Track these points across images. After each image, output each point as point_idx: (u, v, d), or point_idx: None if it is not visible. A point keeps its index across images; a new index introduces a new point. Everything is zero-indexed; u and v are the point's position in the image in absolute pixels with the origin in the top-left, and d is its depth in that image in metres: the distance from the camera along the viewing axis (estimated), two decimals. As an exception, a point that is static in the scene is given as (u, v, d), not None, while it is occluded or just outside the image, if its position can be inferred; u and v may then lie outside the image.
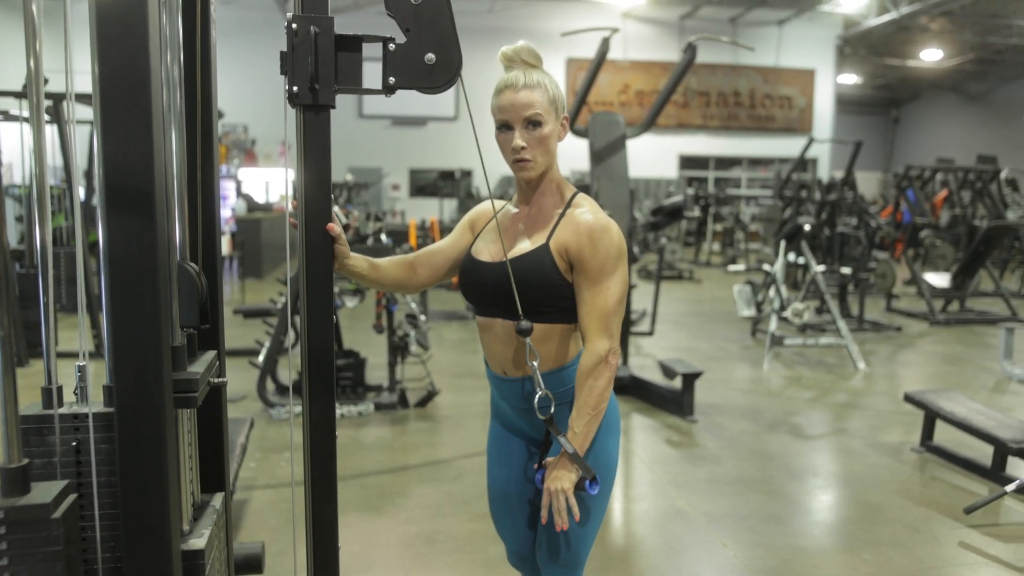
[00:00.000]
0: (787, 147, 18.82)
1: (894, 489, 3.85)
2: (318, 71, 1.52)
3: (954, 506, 3.62)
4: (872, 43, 19.08)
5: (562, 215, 1.74)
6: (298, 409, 4.79)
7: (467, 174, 14.47)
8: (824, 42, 18.88)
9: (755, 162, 19.66)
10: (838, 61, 19.35)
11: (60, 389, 1.57)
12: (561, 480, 1.67)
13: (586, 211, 1.73)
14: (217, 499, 1.76)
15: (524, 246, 1.75)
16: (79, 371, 1.65)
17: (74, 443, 1.54)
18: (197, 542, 1.54)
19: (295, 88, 1.52)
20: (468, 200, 12.40)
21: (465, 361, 6.48)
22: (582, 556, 1.84)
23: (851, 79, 22.19)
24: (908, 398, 4.45)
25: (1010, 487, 3.50)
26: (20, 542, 1.31)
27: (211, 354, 1.74)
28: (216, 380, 1.72)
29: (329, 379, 1.62)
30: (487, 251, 1.81)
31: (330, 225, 1.60)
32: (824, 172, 18.72)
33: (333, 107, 1.56)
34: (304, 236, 1.59)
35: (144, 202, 1.30)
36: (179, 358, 1.52)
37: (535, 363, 1.70)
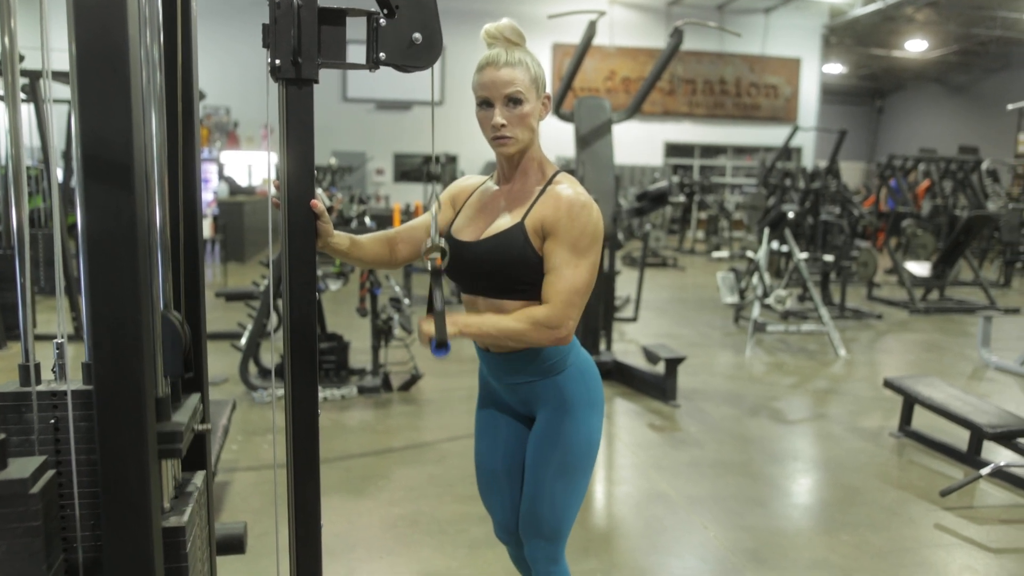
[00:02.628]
0: (772, 136, 18.88)
1: (872, 473, 3.90)
2: (301, 44, 1.50)
3: (931, 489, 3.67)
4: (858, 33, 19.14)
5: (542, 192, 1.74)
6: (280, 392, 4.77)
7: (452, 159, 14.41)
8: (810, 31, 18.92)
9: (740, 150, 19.71)
10: (824, 50, 19.40)
11: (38, 366, 1.55)
12: (425, 324, 1.67)
13: (567, 187, 1.73)
14: (198, 477, 1.75)
15: (502, 223, 1.75)
16: (57, 348, 1.63)
17: (52, 420, 1.52)
18: (178, 519, 1.54)
19: (277, 61, 1.50)
20: (453, 185, 12.34)
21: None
22: (564, 529, 1.85)
23: (836, 69, 22.26)
24: (888, 384, 4.50)
25: (985, 471, 3.55)
26: (-3, 517, 1.30)
27: (195, 398, 1.72)
28: (200, 427, 1.71)
29: (311, 356, 1.61)
30: (467, 230, 1.81)
31: (313, 201, 1.59)
32: (808, 161, 18.81)
33: (316, 82, 1.55)
34: (287, 212, 1.57)
35: (123, 176, 1.28)
36: (163, 409, 1.50)
37: (434, 208, 1.74)
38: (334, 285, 4.99)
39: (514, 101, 1.70)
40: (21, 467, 1.34)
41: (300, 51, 1.50)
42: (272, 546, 2.90)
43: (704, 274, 11.62)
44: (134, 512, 1.36)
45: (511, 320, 1.68)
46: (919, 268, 9.38)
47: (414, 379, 5.03)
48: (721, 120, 19.09)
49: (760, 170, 12.63)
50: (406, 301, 5.06)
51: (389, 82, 16.32)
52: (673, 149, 19.15)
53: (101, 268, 1.30)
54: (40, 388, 1.51)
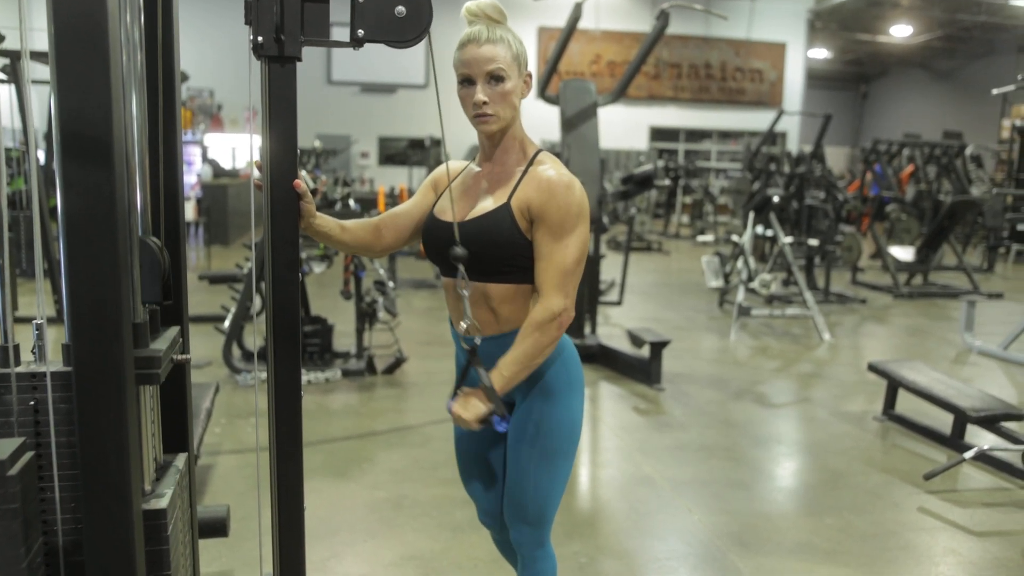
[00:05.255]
0: (757, 120, 18.88)
1: (856, 456, 3.93)
2: (284, 21, 1.47)
3: (914, 473, 3.70)
4: (843, 18, 19.14)
5: (524, 172, 1.72)
6: (264, 375, 4.74)
7: (437, 143, 14.31)
8: (796, 16, 18.90)
9: (725, 135, 19.71)
10: (809, 35, 19.39)
11: (17, 347, 1.52)
12: (468, 410, 1.67)
13: (549, 167, 1.71)
14: (180, 459, 1.73)
15: (486, 205, 1.73)
16: (37, 329, 1.61)
17: (32, 402, 1.50)
18: (159, 502, 1.52)
19: (260, 38, 1.48)
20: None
21: (433, 329, 6.46)
22: (548, 513, 1.84)
23: (821, 54, 22.28)
24: (872, 367, 4.52)
25: (968, 454, 3.58)
26: (-27, 501, 1.27)
27: (174, 330, 1.70)
28: (179, 357, 1.69)
29: (294, 337, 1.59)
30: (449, 211, 1.79)
31: (296, 182, 1.57)
32: (793, 145, 18.84)
33: (299, 59, 1.52)
34: (269, 192, 1.55)
35: (102, 153, 1.25)
36: (141, 335, 1.48)
37: (466, 292, 1.71)
38: (318, 268, 4.96)
39: (496, 78, 1.67)
40: (-2, 449, 1.31)
41: (283, 28, 1.47)
42: (256, 529, 2.89)
43: (689, 258, 11.65)
44: (113, 493, 1.34)
45: (520, 343, 1.68)
46: (903, 253, 9.44)
47: (398, 362, 5.01)
48: (706, 104, 19.07)
49: (745, 154, 12.64)
50: (391, 284, 5.03)
51: (374, 65, 16.18)
52: (658, 133, 19.12)
53: (80, 249, 1.27)
54: (19, 370, 1.48)
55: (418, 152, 13.06)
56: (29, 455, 1.36)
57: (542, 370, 1.78)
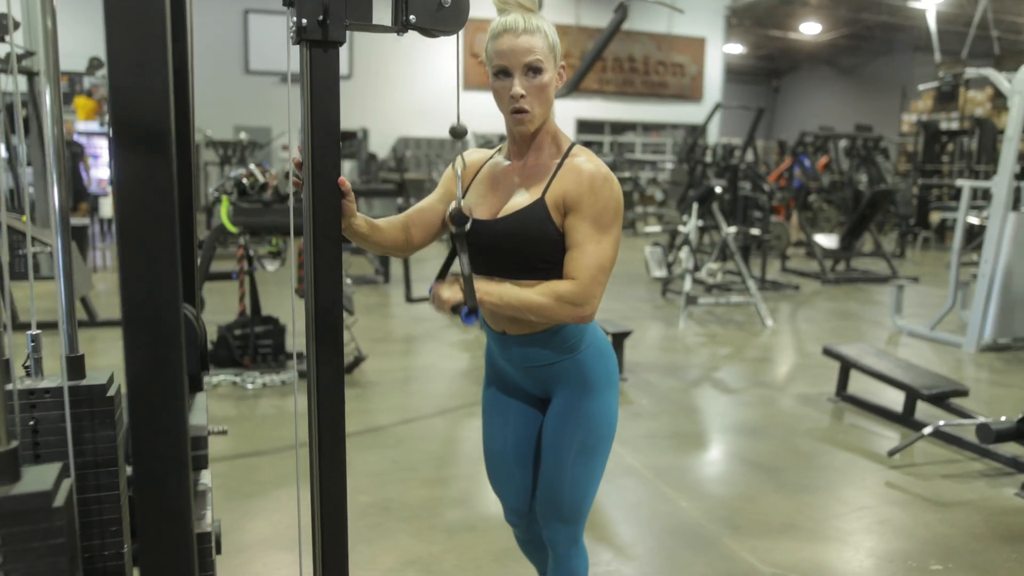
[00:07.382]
0: (680, 113, 19.29)
1: (819, 436, 4.05)
2: (329, 3, 1.38)
3: (874, 450, 3.84)
4: (757, 15, 19.75)
5: (560, 165, 1.67)
6: (233, 379, 4.53)
7: (364, 134, 14.01)
8: (714, 12, 19.38)
9: (648, 127, 20.05)
10: (726, 31, 19.93)
11: (8, 362, 1.39)
12: (451, 291, 1.61)
13: (586, 160, 1.67)
14: (206, 476, 1.62)
15: (520, 200, 1.67)
16: (32, 341, 1.48)
17: (32, 422, 1.39)
18: (203, 524, 1.41)
19: (303, 21, 1.38)
20: (371, 162, 12.01)
21: (383, 326, 6.34)
22: (584, 510, 1.81)
23: (737, 49, 22.95)
24: (827, 351, 4.67)
25: (927, 430, 3.75)
26: (17, 536, 1.13)
27: (201, 397, 1.59)
28: (215, 430, 1.58)
29: (338, 341, 1.50)
30: (481, 207, 1.72)
31: (341, 179, 1.48)
32: (714, 138, 19.34)
33: (342, 43, 1.44)
34: (311, 187, 1.45)
35: (160, 140, 1.14)
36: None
37: (459, 168, 1.69)
38: (271, 266, 4.78)
39: (533, 70, 1.61)
40: (38, 478, 1.18)
41: (327, 11, 1.38)
42: (238, 543, 2.76)
43: (623, 249, 11.79)
44: (173, 520, 1.23)
45: (534, 294, 1.61)
46: (828, 241, 9.81)
47: (357, 361, 4.88)
48: (630, 97, 19.35)
49: (682, 146, 12.90)
50: (348, 281, 4.90)
51: (293, 54, 15.68)
52: (584, 126, 19.30)
53: (136, 246, 1.14)
54: (22, 387, 1.36)
55: (347, 144, 12.76)
56: (69, 482, 1.24)
57: (583, 364, 1.74)
